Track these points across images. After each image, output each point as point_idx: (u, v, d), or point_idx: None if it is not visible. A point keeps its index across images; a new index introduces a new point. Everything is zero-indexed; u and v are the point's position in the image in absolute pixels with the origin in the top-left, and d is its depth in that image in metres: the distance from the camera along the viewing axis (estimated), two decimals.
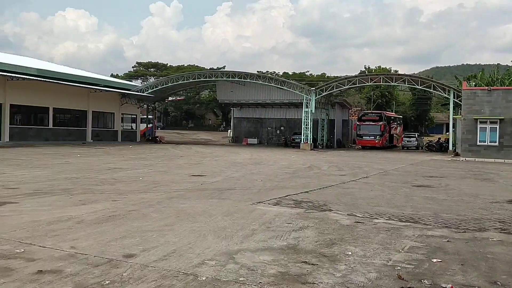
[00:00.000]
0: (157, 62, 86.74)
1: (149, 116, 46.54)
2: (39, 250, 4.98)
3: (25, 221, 6.44)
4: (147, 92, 39.86)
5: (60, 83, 31.66)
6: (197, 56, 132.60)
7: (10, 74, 28.52)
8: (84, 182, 11.22)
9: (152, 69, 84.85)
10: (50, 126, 33.80)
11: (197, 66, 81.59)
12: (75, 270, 4.36)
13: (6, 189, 9.52)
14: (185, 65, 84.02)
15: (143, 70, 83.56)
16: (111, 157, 20.85)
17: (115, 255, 4.86)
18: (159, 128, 62.37)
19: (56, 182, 11.01)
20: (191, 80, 39.87)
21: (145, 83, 60.21)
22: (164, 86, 39.92)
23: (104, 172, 13.70)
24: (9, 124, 30.45)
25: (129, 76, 78.53)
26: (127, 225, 6.38)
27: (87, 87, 35.32)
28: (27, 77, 29.51)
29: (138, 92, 40.10)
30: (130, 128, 43.18)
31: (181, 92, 63.42)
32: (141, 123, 45.29)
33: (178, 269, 4.51)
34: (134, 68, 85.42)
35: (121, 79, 67.65)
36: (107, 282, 4.10)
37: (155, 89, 39.94)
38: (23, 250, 4.97)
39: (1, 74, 27.87)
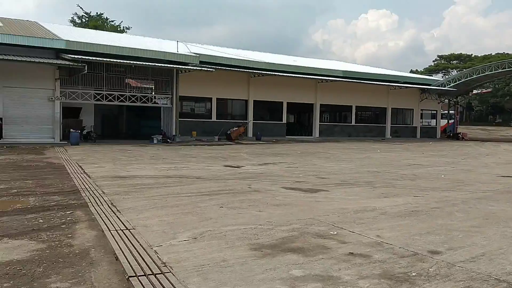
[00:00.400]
0: (460, 53, 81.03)
1: (450, 112, 43.96)
2: (349, 235, 5.54)
3: (335, 207, 7.26)
4: (448, 86, 37.83)
5: (362, 82, 33.75)
6: (508, 43, 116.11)
7: (319, 77, 32.42)
8: (385, 176, 11.68)
9: (454, 62, 79.83)
10: (353, 123, 36.49)
11: (507, 54, 71.57)
12: (382, 258, 4.64)
13: (319, 178, 10.93)
14: (493, 54, 75.06)
15: (444, 63, 79.69)
16: (410, 153, 20.85)
17: (419, 249, 4.91)
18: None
19: (359, 174, 11.88)
20: (499, 70, 35.44)
21: (447, 76, 57.25)
22: (468, 78, 36.96)
23: (404, 168, 13.88)
24: (319, 122, 34.63)
25: (429, 71, 76.40)
26: (431, 221, 6.31)
27: (386, 85, 36.37)
28: (333, 78, 32.83)
29: (439, 86, 38.52)
30: (429, 124, 41.96)
31: (487, 84, 57.07)
32: (441, 118, 43.38)
33: (488, 273, 4.19)
34: (435, 62, 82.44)
35: (420, 74, 66.50)
36: (413, 274, 4.20)
37: (457, 82, 37.48)
38: (336, 232, 5.64)
39: (313, 78, 32.01)
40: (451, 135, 41.37)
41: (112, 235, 5.34)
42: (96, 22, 50.30)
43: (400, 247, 4.99)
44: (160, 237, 5.29)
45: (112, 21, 53.45)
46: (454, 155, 20.05)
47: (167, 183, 9.67)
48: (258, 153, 19.06)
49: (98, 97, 23.23)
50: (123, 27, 53.75)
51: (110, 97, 23.47)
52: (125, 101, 23.89)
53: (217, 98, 28.85)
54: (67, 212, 6.67)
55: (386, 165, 14.84)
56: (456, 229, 5.87)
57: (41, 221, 6.14)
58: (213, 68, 25.34)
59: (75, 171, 11.50)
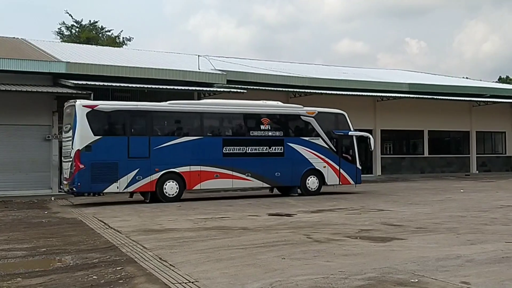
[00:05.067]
0: None
1: None
2: (432, 282, 6.94)
3: (413, 256, 8.66)
4: None
5: (436, 98, 34.67)
6: None
7: (379, 94, 33.79)
8: (471, 221, 13.00)
9: None
10: (425, 154, 37.53)
11: None
12: None
13: (389, 226, 12.35)
14: None
15: None
16: (504, 192, 22.01)
17: None
18: None
19: (439, 220, 13.24)
20: None
21: None
22: None
23: (494, 211, 15.15)
24: (380, 154, 35.72)
25: None
26: None
27: (468, 100, 37.25)
28: (397, 95, 34.09)
29: None
30: None
31: None
32: None
33: None
34: None
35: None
36: None
37: None
38: (417, 280, 7.06)
39: (370, 95, 33.38)
40: None
41: None
42: (89, 33, 53.54)
43: None
44: None
45: (109, 31, 56.70)
46: None
47: (211, 235, 11.28)
48: (308, 199, 20.59)
49: None
50: (123, 38, 56.92)
51: None
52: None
53: None
54: (117, 268, 8.31)
55: (472, 208, 16.12)
56: None
57: (95, 277, 7.79)
58: (244, 89, 27.29)
59: (99, 226, 13.32)
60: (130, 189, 19.12)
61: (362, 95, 32.71)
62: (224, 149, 20.37)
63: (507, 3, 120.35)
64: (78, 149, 18.18)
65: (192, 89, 26.56)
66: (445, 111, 37.04)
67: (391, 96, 34.02)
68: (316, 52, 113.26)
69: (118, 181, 18.69)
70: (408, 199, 19.64)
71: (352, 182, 22.68)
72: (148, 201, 19.25)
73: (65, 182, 19.23)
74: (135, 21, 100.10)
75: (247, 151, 20.73)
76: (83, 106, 18.52)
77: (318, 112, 22.34)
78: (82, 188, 18.47)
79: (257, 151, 20.89)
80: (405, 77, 40.60)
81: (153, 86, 25.00)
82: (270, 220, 13.96)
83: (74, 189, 18.50)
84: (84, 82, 23.30)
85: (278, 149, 21.22)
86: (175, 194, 19.45)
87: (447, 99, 35.49)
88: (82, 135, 18.27)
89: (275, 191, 22.46)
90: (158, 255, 9.16)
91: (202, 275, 7.58)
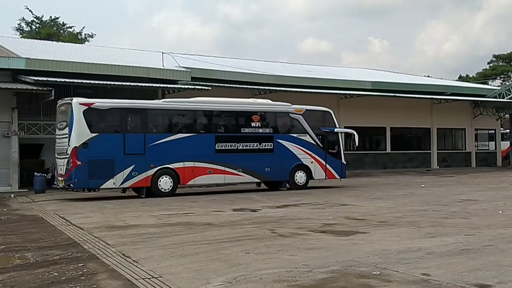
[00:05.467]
0: None
1: None
2: (393, 274, 7.02)
3: (376, 249, 8.75)
4: (508, 97, 39.53)
5: (398, 96, 35.34)
6: None
7: (342, 92, 34.15)
8: (432, 215, 13.23)
9: None
10: (388, 150, 38.13)
11: None
12: None
13: (352, 220, 12.47)
14: None
15: (503, 65, 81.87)
16: (463, 187, 22.44)
17: (468, 284, 6.40)
18: None
19: (400, 214, 13.43)
20: None
21: (506, 83, 59.12)
22: None
23: (454, 205, 15.44)
24: (343, 150, 36.02)
25: (483, 76, 78.46)
26: (481, 259, 7.80)
27: (429, 98, 37.94)
28: (360, 92, 34.54)
29: (496, 97, 40.22)
30: (487, 148, 43.49)
31: None
32: (502, 140, 44.85)
33: None
34: (491, 65, 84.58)
35: (473, 81, 68.50)
36: None
37: None
38: (379, 272, 7.12)
39: (333, 93, 33.67)
40: (508, 162, 42.56)
41: (142, 284, 6.83)
42: (50, 29, 52.61)
43: (447, 283, 6.46)
44: (193, 283, 6.77)
45: (71, 27, 55.82)
46: None
47: (176, 231, 11.19)
48: (273, 194, 20.68)
49: None
50: (85, 34, 56.11)
51: None
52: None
53: None
54: (79, 265, 8.16)
55: (433, 202, 16.39)
56: (509, 265, 7.35)
57: (55, 274, 7.63)
58: (208, 85, 27.18)
59: (60, 223, 13.09)
60: (126, 184, 19.39)
61: (326, 93, 33.00)
62: (216, 145, 20.86)
63: (467, 4, 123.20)
64: (76, 146, 18.38)
65: (156, 86, 26.34)
66: (407, 108, 37.73)
67: (354, 94, 34.47)
68: (280, 51, 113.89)
69: (115, 177, 18.95)
70: (371, 194, 19.89)
71: (337, 176, 23.52)
72: (144, 196, 19.51)
73: (60, 179, 19.30)
74: (98, 18, 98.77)
75: (238, 148, 21.26)
76: (80, 104, 18.66)
77: (306, 110, 23.04)
78: (79, 184, 18.69)
79: (248, 147, 21.46)
80: (368, 76, 41.18)
81: (116, 83, 24.69)
82: (235, 215, 13.94)
83: (71, 185, 18.67)
84: (44, 79, 22.88)
85: (268, 145, 21.86)
86: (169, 189, 19.81)
87: (409, 97, 36.20)
88: (79, 132, 18.45)
89: (263, 185, 23.13)
90: (121, 251, 9.04)
91: (166, 271, 7.51)
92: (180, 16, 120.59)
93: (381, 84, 36.89)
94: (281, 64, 45.05)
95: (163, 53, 30.26)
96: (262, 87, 30.92)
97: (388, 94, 35.36)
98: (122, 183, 19.20)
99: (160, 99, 26.70)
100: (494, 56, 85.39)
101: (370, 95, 34.77)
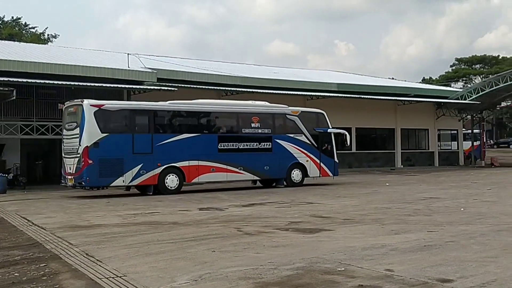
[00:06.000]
0: (484, 55, 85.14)
1: (474, 131, 46.45)
2: (358, 270, 7.05)
3: (340, 246, 8.79)
4: (470, 98, 40.27)
5: (362, 97, 35.77)
6: None
7: (308, 93, 34.36)
8: (396, 212, 13.38)
9: (477, 66, 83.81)
10: (353, 150, 38.43)
11: None
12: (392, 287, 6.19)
13: (318, 218, 12.53)
14: None
15: (465, 68, 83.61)
16: (426, 186, 22.81)
17: (430, 279, 6.46)
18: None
19: (365, 212, 13.57)
20: None
21: (468, 86, 60.35)
22: (494, 88, 39.41)
23: (417, 202, 15.66)
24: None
25: (446, 79, 80.00)
26: (444, 254, 7.91)
27: (393, 99, 38.57)
28: (326, 94, 34.80)
29: (458, 99, 41.01)
30: (450, 148, 44.40)
31: None
32: (464, 140, 45.81)
33: None
34: (453, 68, 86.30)
35: (436, 83, 69.78)
36: None
37: (481, 93, 39.89)
38: (343, 269, 7.15)
39: (300, 94, 33.89)
40: (474, 160, 43.29)
41: (106, 283, 6.70)
42: (12, 29, 51.63)
43: (410, 278, 6.52)
44: (158, 282, 6.67)
45: (33, 28, 54.84)
46: (479, 186, 22.10)
47: (141, 230, 11.05)
48: (239, 192, 20.72)
49: (27, 129, 24.35)
50: (48, 35, 55.19)
51: (43, 129, 24.60)
52: (62, 133, 25.07)
53: None
54: (41, 265, 7.96)
55: (397, 200, 16.61)
56: (470, 260, 7.48)
57: (16, 274, 7.44)
58: (174, 87, 26.97)
59: (22, 223, 12.77)
60: (135, 182, 20.06)
61: (292, 94, 33.03)
62: (219, 145, 21.75)
63: (431, 9, 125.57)
64: (87, 146, 18.95)
65: (121, 87, 26.00)
66: (372, 109, 38.17)
67: (320, 95, 34.67)
68: (247, 53, 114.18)
69: (124, 175, 19.57)
70: (336, 192, 20.05)
71: (330, 174, 24.65)
72: (151, 193, 20.14)
73: (69, 177, 19.70)
74: (62, 18, 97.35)
75: (239, 147, 22.20)
76: (91, 105, 19.25)
77: (301, 111, 24.35)
78: (91, 183, 19.28)
79: (248, 147, 22.47)
80: (334, 78, 41.57)
81: (80, 84, 24.24)
82: (201, 214, 13.85)
83: (83, 183, 19.22)
84: (6, 79, 22.33)
85: (266, 145, 22.91)
86: (175, 187, 20.53)
87: (373, 99, 36.60)
88: (91, 133, 19.04)
89: (258, 183, 24.02)
90: (85, 250, 8.87)
91: (131, 269, 7.39)
92: (145, 17, 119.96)
93: (346, 86, 37.35)
94: (248, 66, 45.16)
95: (128, 54, 29.95)
96: (229, 88, 30.83)
97: (354, 95, 35.76)
98: (131, 181, 19.82)
99: (126, 100, 26.51)
100: (457, 59, 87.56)
101: (335, 96, 35.04)
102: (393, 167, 39.37)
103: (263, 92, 31.04)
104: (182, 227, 11.41)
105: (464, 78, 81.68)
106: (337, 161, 24.98)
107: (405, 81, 54.70)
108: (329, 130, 24.64)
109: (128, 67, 27.63)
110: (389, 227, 10.85)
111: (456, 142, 44.97)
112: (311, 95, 34.54)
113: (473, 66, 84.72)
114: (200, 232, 10.59)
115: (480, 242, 8.90)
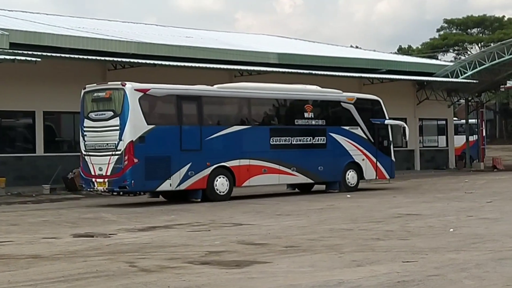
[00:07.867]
0: (484, 15, 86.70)
1: (470, 121, 46.62)
2: None
3: (280, 284, 8.76)
4: (464, 75, 40.71)
5: (314, 73, 35.65)
6: None
7: (236, 67, 34.21)
8: (359, 235, 13.56)
9: (473, 30, 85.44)
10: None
11: None
12: None
13: (248, 245, 12.47)
14: None
15: (457, 33, 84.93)
16: (402, 197, 23.30)
17: None
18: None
19: (316, 235, 13.66)
20: None
21: (461, 58, 61.54)
22: (497, 61, 40.17)
23: (390, 221, 15.96)
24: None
25: (431, 48, 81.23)
26: None
27: (357, 76, 38.87)
28: (262, 68, 34.64)
29: (448, 76, 41.52)
30: (436, 145, 44.87)
31: None
32: (456, 134, 46.45)
33: None
34: (441, 33, 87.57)
35: (417, 55, 70.66)
36: None
37: (479, 68, 40.52)
38: None
39: (224, 68, 33.74)
40: (470, 162, 44.06)
41: None
42: None
43: None
44: None
45: None
46: (475, 197, 22.73)
47: None
48: (136, 212, 20.35)
49: None
50: None
51: None
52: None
53: (44, 112, 29.65)
54: None
55: (362, 218, 16.86)
56: None
57: None
58: (37, 56, 26.27)
59: None
60: (183, 186, 21.75)
61: (214, 68, 32.68)
62: (271, 140, 23.81)
63: None
64: (132, 141, 20.43)
65: None
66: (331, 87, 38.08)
67: (254, 70, 34.41)
68: (147, 8, 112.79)
69: (171, 177, 21.30)
70: (277, 208, 20.12)
71: (387, 176, 27.14)
72: (200, 200, 21.83)
73: (99, 180, 20.92)
74: None
75: (292, 142, 24.41)
76: (135, 89, 20.81)
77: (357, 98, 26.58)
78: (136, 186, 20.87)
79: (301, 142, 24.68)
80: (274, 45, 41.56)
81: None
82: (75, 243, 13.48)
83: (127, 187, 20.68)
84: None
85: (320, 139, 25.09)
86: (225, 192, 22.44)
87: (329, 75, 36.44)
88: (136, 124, 20.59)
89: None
90: None
91: None
92: None
93: (291, 57, 37.37)
94: (148, 26, 44.62)
95: None
96: (119, 59, 30.31)
97: (300, 70, 35.48)
98: (179, 184, 21.52)
99: None
100: (446, 21, 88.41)
101: (275, 71, 34.80)
102: None
103: (168, 65, 30.75)
104: (46, 262, 11.07)
105: (456, 47, 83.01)
106: (394, 160, 26.78)
107: (374, 51, 55.48)
108: (386, 122, 26.39)
109: None
110: (350, 256, 10.90)
111: (444, 137, 45.12)
112: (240, 69, 34.25)
113: (468, 30, 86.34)
114: (74, 270, 10.30)
115: (475, 275, 9.04)
